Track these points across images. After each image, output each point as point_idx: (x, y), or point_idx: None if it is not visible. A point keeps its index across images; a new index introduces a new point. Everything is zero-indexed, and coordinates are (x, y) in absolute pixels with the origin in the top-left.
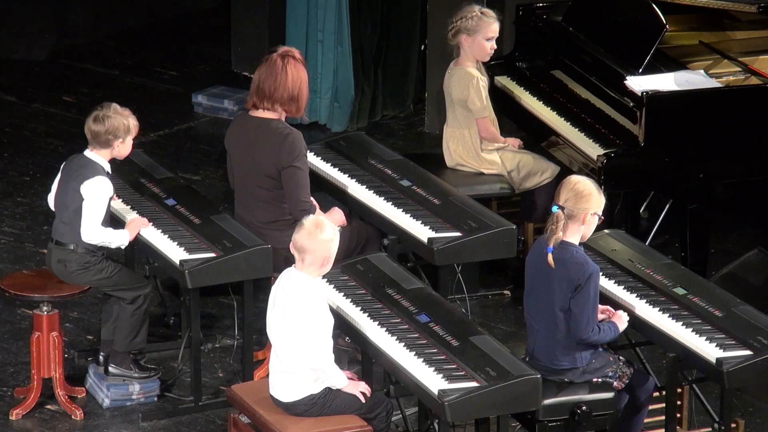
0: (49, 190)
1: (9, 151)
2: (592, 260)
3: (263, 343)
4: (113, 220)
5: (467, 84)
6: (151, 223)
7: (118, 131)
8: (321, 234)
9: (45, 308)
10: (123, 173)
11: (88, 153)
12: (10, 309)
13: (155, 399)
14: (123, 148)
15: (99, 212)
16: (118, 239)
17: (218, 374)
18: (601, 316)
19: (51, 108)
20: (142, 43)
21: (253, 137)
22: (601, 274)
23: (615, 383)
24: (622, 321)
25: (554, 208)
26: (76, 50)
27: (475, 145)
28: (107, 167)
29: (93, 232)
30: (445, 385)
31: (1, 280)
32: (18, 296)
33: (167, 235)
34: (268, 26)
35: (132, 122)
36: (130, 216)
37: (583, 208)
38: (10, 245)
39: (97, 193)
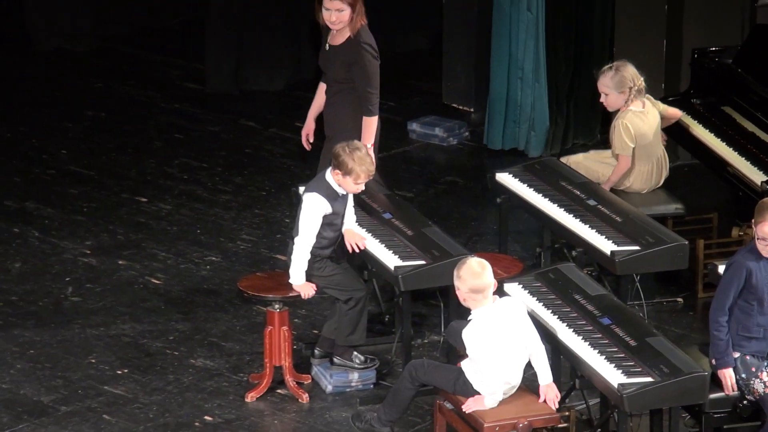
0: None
1: (249, 170)
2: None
3: None
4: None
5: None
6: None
7: (340, 167)
8: (487, 268)
9: (277, 306)
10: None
11: (328, 172)
12: (246, 306)
13: (372, 386)
14: (344, 183)
15: (307, 225)
16: (297, 275)
17: None
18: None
19: (285, 132)
20: None
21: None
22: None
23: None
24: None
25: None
26: (309, 83)
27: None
28: (336, 188)
29: (299, 241)
30: (624, 379)
31: (239, 282)
32: (254, 296)
33: (384, 245)
34: (474, 65)
35: (357, 168)
36: (357, 230)
37: (756, 221)
38: (248, 251)
39: (308, 206)
